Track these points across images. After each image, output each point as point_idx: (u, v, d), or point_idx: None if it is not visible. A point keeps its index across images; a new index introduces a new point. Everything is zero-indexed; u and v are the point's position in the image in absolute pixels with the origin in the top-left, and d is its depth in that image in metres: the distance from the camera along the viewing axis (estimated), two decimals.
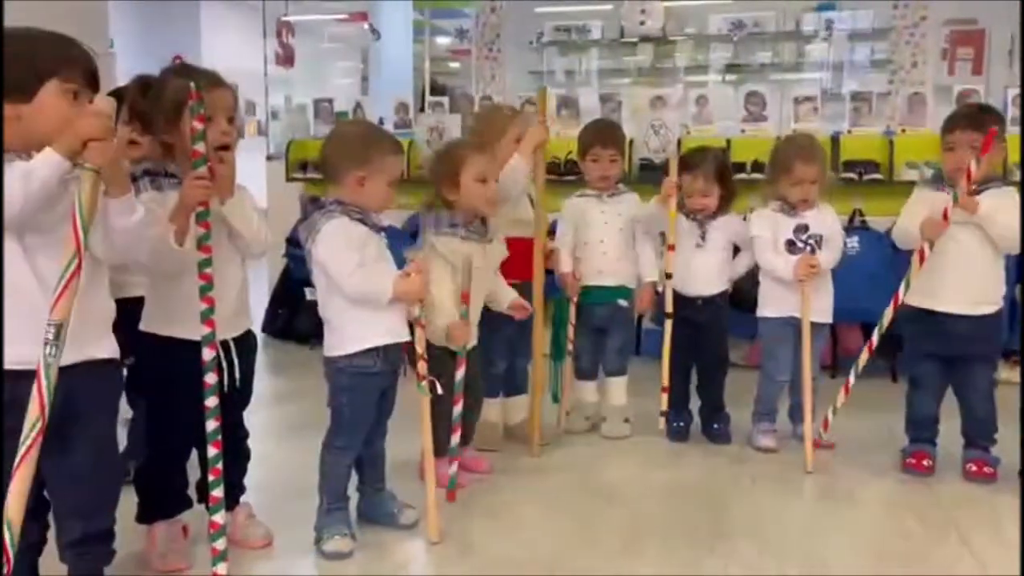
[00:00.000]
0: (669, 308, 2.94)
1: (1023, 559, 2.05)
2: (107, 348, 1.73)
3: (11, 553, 1.51)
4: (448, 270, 2.44)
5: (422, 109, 5.22)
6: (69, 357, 1.59)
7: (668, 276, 2.93)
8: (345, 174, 2.11)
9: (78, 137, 1.52)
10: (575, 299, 3.06)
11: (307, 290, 4.16)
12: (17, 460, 1.51)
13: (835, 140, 4.09)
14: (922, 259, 2.58)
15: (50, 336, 1.52)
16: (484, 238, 2.53)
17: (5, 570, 1.52)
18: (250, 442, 2.21)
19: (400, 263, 2.20)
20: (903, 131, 4.16)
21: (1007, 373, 3.86)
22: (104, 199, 1.61)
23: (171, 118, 1.92)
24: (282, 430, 3.13)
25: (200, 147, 1.83)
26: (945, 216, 2.51)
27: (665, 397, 3.00)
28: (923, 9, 5.84)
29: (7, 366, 1.56)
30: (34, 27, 1.66)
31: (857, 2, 6.32)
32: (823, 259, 2.81)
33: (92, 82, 1.64)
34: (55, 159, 1.51)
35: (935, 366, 2.67)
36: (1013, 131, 4.12)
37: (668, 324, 2.96)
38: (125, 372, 1.93)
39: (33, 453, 1.52)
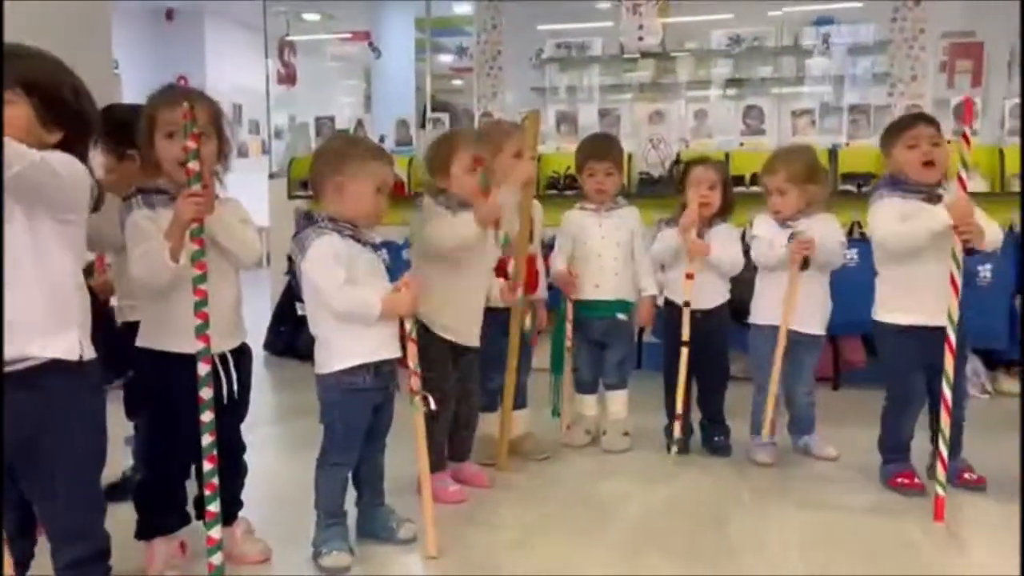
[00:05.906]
0: (686, 336, 2.88)
1: (1023, 560, 2.04)
2: (60, 347, 1.57)
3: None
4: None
5: (423, 126, 5.25)
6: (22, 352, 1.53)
7: (687, 304, 2.88)
8: (324, 183, 2.12)
9: None
10: (573, 296, 3.03)
11: (298, 305, 4.16)
12: None
13: (833, 153, 4.11)
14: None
15: None
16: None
17: None
18: (252, 458, 2.21)
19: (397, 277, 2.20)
20: None
21: (1007, 384, 3.86)
22: None
23: (146, 136, 1.97)
24: (283, 446, 3.13)
25: (193, 165, 1.86)
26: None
27: (677, 425, 2.94)
28: (921, 22, 5.86)
29: None
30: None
31: (856, 16, 6.34)
32: (818, 246, 2.76)
33: (36, 86, 1.58)
34: None
35: (922, 382, 2.60)
36: (1012, 141, 4.14)
37: (684, 352, 2.89)
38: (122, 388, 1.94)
39: None
